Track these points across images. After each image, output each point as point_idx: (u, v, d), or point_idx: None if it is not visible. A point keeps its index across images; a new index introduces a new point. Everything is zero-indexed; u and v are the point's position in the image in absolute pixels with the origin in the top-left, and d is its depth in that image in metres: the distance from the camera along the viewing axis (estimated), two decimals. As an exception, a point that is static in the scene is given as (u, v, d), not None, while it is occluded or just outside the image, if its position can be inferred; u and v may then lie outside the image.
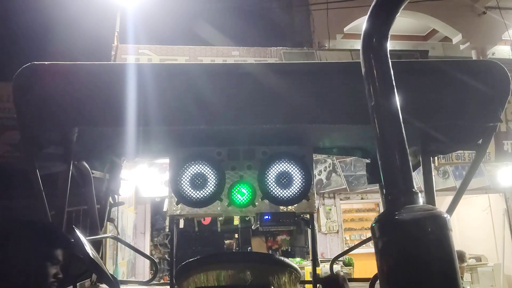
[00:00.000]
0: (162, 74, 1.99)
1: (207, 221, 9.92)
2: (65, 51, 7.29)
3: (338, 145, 2.84)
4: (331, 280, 2.26)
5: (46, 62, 1.93)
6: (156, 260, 4.40)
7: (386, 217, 1.17)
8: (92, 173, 2.59)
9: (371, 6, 1.26)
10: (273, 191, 2.48)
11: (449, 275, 1.05)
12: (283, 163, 2.50)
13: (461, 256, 8.13)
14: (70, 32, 7.87)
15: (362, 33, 1.27)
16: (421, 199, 1.16)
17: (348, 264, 8.75)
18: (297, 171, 2.49)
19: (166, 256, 10.55)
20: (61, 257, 1.82)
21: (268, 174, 2.49)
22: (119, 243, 6.59)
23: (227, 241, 12.32)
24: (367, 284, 2.44)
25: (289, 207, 2.52)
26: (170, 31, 9.35)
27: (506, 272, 10.13)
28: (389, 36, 1.25)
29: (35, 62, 1.92)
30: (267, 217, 2.50)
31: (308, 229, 2.94)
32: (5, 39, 8.04)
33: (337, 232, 10.05)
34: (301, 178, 2.49)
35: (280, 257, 2.54)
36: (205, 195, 2.48)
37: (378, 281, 1.17)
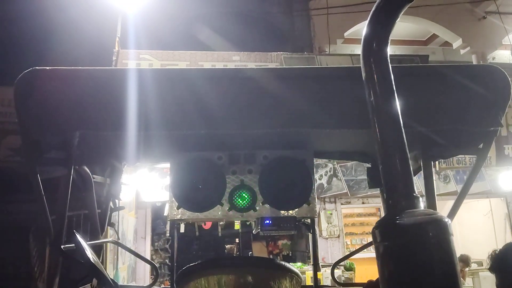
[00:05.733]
0: (163, 79, 2.00)
1: (208, 225, 9.89)
2: (66, 56, 7.31)
3: (339, 149, 2.83)
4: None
5: (48, 67, 1.94)
6: (157, 265, 4.37)
7: (387, 221, 1.17)
8: (93, 177, 2.59)
9: (371, 11, 1.27)
10: (274, 195, 2.47)
11: (450, 280, 1.05)
12: (284, 168, 2.49)
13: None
14: (71, 37, 7.89)
15: (363, 38, 1.28)
16: (422, 204, 1.16)
17: (349, 269, 8.73)
18: (298, 175, 2.48)
19: (166, 260, 10.51)
20: None
21: (269, 178, 2.49)
22: (119, 248, 6.57)
23: (228, 246, 12.28)
24: None
25: (290, 211, 2.51)
26: (171, 36, 9.38)
27: (508, 277, 10.08)
28: (389, 41, 1.26)
29: (37, 67, 1.93)
30: (268, 221, 2.49)
31: (309, 233, 2.93)
32: (6, 44, 8.07)
33: (338, 236, 10.03)
34: (302, 183, 2.48)
35: (281, 262, 2.53)
36: (206, 199, 2.47)
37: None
